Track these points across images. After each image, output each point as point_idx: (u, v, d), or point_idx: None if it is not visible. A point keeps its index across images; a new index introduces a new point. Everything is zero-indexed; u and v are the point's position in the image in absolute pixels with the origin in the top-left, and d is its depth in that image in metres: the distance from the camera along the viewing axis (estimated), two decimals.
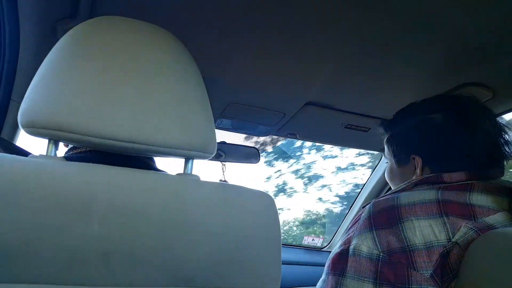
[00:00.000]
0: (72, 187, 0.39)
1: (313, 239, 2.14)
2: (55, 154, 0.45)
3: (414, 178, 0.72)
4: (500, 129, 0.69)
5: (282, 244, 1.71)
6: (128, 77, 0.44)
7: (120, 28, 0.47)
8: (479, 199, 0.59)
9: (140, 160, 0.56)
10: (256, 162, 1.31)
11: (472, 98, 0.74)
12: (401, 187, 0.69)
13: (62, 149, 0.60)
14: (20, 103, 0.44)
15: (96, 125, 0.42)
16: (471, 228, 0.55)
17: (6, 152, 0.56)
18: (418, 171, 0.73)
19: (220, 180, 1.30)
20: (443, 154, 0.70)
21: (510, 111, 1.08)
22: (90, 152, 0.54)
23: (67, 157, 0.53)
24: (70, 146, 0.57)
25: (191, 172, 0.52)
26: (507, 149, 0.68)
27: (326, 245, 2.01)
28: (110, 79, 0.43)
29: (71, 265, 0.38)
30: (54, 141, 0.44)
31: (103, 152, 0.53)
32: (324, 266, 0.68)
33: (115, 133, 0.42)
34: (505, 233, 0.52)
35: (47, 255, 0.37)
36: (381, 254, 0.58)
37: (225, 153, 1.28)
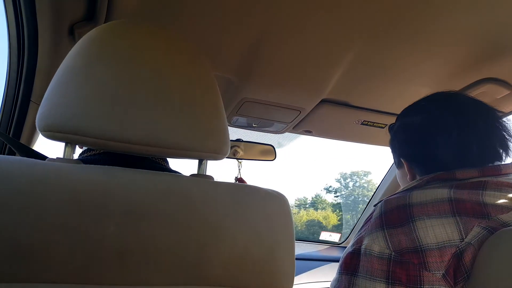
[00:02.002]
0: (89, 189, 0.40)
1: (330, 235, 2.14)
2: (71, 157, 0.45)
3: (408, 180, 0.74)
4: (496, 125, 0.67)
5: (300, 240, 1.72)
6: (142, 80, 0.45)
7: (134, 32, 0.48)
8: (492, 197, 0.58)
9: (153, 161, 0.57)
10: (272, 160, 1.31)
11: (459, 96, 0.73)
12: (413, 184, 0.68)
13: (77, 151, 0.61)
14: (39, 105, 0.45)
15: (111, 129, 0.42)
16: (484, 227, 0.54)
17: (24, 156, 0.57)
18: (408, 173, 0.74)
19: (236, 178, 1.31)
20: (421, 156, 0.71)
21: None
22: (104, 154, 0.55)
23: (82, 159, 0.54)
24: (85, 148, 0.59)
25: (205, 172, 0.52)
26: (502, 146, 0.66)
27: (344, 241, 2.00)
28: (125, 83, 0.44)
29: (88, 264, 0.39)
30: (71, 144, 0.45)
31: (117, 154, 0.53)
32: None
33: (130, 136, 0.43)
34: None
35: (64, 255, 0.38)
36: (393, 253, 0.57)
37: (242, 150, 1.28)
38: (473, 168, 0.63)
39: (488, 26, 0.73)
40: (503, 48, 0.81)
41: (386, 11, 0.70)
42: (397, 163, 0.80)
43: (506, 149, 0.67)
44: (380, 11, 0.70)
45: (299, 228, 10.84)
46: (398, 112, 1.16)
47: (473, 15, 0.70)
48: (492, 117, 0.67)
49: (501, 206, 0.57)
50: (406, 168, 0.75)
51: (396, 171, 0.84)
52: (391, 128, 0.82)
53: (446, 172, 0.65)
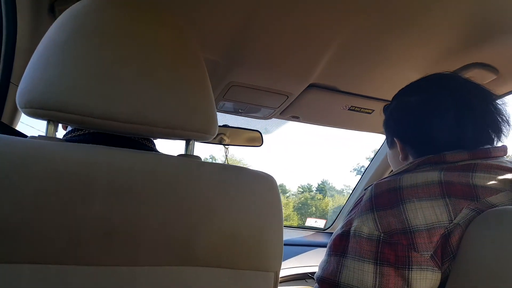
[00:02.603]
0: (73, 168, 0.39)
1: (316, 221, 2.17)
2: (54, 135, 0.44)
3: (400, 160, 0.75)
4: (490, 109, 0.67)
5: (286, 226, 1.74)
6: (128, 56, 0.43)
7: (119, 7, 0.46)
8: (482, 179, 0.59)
9: (140, 142, 0.56)
10: (259, 146, 1.31)
11: (456, 76, 0.73)
12: (403, 168, 0.68)
13: (60, 133, 0.59)
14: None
15: (95, 106, 0.41)
16: (473, 209, 0.55)
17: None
18: (400, 152, 0.75)
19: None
20: (415, 136, 0.71)
21: None
22: (89, 134, 0.53)
23: (66, 140, 0.53)
24: (68, 129, 0.57)
25: (192, 153, 0.51)
26: (496, 128, 0.67)
27: (329, 227, 2.04)
28: (110, 59, 0.42)
29: (73, 245, 0.38)
30: (54, 122, 0.44)
31: (102, 134, 0.52)
32: (326, 247, 0.69)
33: (115, 113, 0.42)
34: (503, 211, 0.52)
35: (48, 235, 0.37)
36: (382, 235, 0.58)
37: (228, 136, 1.27)
38: (464, 151, 0.64)
39: (476, 11, 0.74)
40: (491, 33, 0.82)
41: (376, 1, 0.70)
42: (390, 143, 0.80)
43: (498, 133, 0.67)
44: (369, 1, 0.70)
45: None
46: (386, 98, 1.18)
47: (461, 2, 0.71)
48: (489, 99, 0.68)
49: (490, 188, 0.58)
50: (398, 148, 0.75)
51: (388, 151, 0.84)
52: (386, 108, 0.82)
53: (436, 155, 0.65)
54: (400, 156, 0.75)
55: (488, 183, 0.58)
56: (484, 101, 0.67)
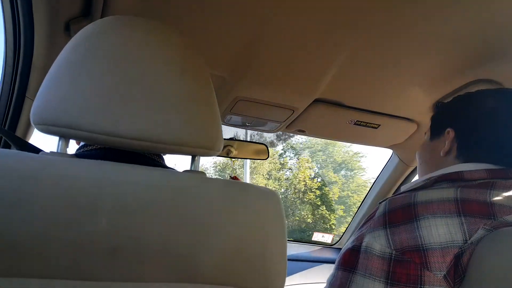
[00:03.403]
0: (81, 184, 0.40)
1: (323, 236, 2.14)
2: (65, 151, 0.46)
3: (441, 153, 0.73)
4: None
5: (292, 240, 1.72)
6: (136, 75, 0.45)
7: (130, 27, 0.48)
8: (500, 197, 0.57)
9: (148, 157, 0.57)
10: (265, 158, 1.32)
11: None
12: (419, 185, 0.67)
13: (74, 146, 0.61)
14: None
15: (104, 123, 0.43)
16: (489, 229, 0.54)
17: (19, 149, 0.58)
18: (447, 144, 0.72)
19: (230, 176, 1.31)
20: (478, 136, 0.69)
21: None
22: (100, 149, 0.55)
23: (78, 154, 0.54)
24: (81, 143, 0.59)
25: (197, 169, 0.53)
26: None
27: (336, 242, 2.01)
28: (119, 78, 0.44)
29: (79, 260, 0.39)
30: (65, 138, 0.45)
31: (112, 149, 0.54)
32: (334, 263, 0.68)
33: (123, 131, 0.43)
34: None
35: (56, 250, 0.38)
36: (394, 252, 0.56)
37: (235, 149, 1.29)
38: (483, 170, 0.63)
39: (482, 29, 0.74)
40: (496, 49, 0.82)
41: (380, 13, 0.71)
42: (435, 134, 0.78)
43: None
44: (374, 13, 0.71)
45: None
46: (391, 113, 1.18)
47: (467, 18, 0.71)
48: None
49: (508, 206, 0.56)
50: (448, 140, 0.73)
51: (425, 143, 0.81)
52: (442, 105, 0.81)
53: (454, 172, 0.65)
54: (444, 149, 0.72)
55: (506, 201, 0.57)
56: None
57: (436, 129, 0.78)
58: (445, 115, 0.78)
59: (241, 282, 0.46)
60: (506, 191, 0.58)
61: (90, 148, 0.56)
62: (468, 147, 0.69)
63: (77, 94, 0.43)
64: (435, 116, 0.81)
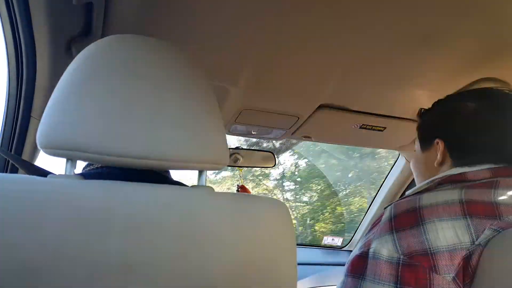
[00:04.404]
0: (91, 205, 0.41)
1: (333, 239, 2.13)
2: (73, 173, 0.46)
3: (435, 164, 0.72)
4: None
5: (302, 245, 1.72)
6: (140, 94, 0.45)
7: (131, 46, 0.49)
8: (504, 196, 0.57)
9: (155, 173, 0.57)
10: (272, 166, 1.32)
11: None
12: (423, 187, 0.67)
13: (80, 164, 0.61)
14: (39, 120, 0.46)
15: (111, 144, 0.43)
16: (496, 229, 0.54)
17: (27, 173, 0.58)
18: (439, 155, 0.71)
19: (238, 185, 1.31)
20: (468, 141, 0.68)
21: None
22: (107, 167, 0.55)
23: (85, 174, 0.54)
24: (86, 162, 0.59)
25: (204, 183, 0.53)
26: None
27: (346, 244, 2.00)
28: (123, 97, 0.44)
29: (92, 280, 0.39)
30: (72, 160, 0.45)
31: (118, 168, 0.54)
32: (344, 265, 0.68)
33: (129, 151, 0.43)
34: None
35: (68, 271, 0.38)
36: (402, 257, 0.57)
37: (242, 157, 1.29)
38: (486, 169, 0.63)
39: (486, 27, 0.74)
40: (500, 47, 0.81)
41: (386, 18, 0.71)
42: (425, 146, 0.77)
43: None
44: (379, 18, 0.71)
45: None
46: (397, 115, 1.17)
47: (471, 18, 0.71)
48: None
49: None
50: (439, 151, 0.72)
51: (417, 155, 0.81)
52: (425, 114, 0.80)
53: (458, 174, 0.65)
54: (437, 160, 0.72)
55: (510, 201, 0.57)
56: None
57: (425, 140, 0.77)
58: (430, 125, 0.77)
59: None
60: (510, 190, 0.58)
61: (96, 166, 0.56)
62: (461, 155, 0.69)
63: (83, 116, 0.43)
64: (421, 126, 0.80)
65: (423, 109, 0.81)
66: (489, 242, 0.53)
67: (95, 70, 0.46)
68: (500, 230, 0.53)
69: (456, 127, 0.70)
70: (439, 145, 0.72)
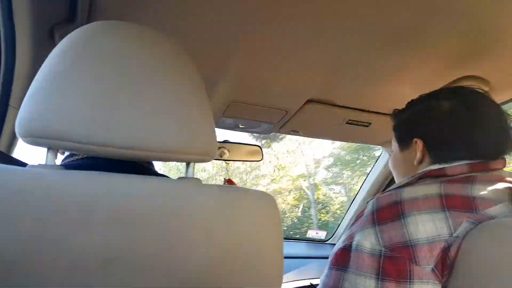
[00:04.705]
0: (72, 196, 0.39)
1: (317, 232, 2.16)
2: (54, 163, 0.44)
3: (415, 162, 0.73)
4: (506, 121, 0.69)
5: (287, 239, 1.74)
6: (126, 82, 0.44)
7: (117, 33, 0.47)
8: (480, 191, 0.60)
9: (139, 164, 0.56)
10: (260, 160, 1.31)
11: (479, 91, 0.73)
12: (404, 182, 0.69)
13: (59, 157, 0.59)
14: (18, 109, 0.44)
15: (94, 133, 0.41)
16: (473, 222, 0.56)
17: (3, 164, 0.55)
18: (418, 154, 0.73)
19: (225, 179, 1.30)
20: (446, 139, 0.70)
21: (506, 103, 1.11)
22: (88, 158, 0.53)
23: (65, 165, 0.53)
24: (66, 153, 0.57)
25: (192, 175, 0.52)
26: (511, 141, 0.68)
27: (330, 238, 2.03)
28: (108, 85, 0.43)
29: (73, 272, 0.38)
30: (53, 149, 0.44)
31: (100, 158, 0.52)
32: (328, 258, 0.69)
33: (114, 140, 0.42)
34: (499, 223, 0.53)
35: (48, 264, 0.37)
36: (383, 249, 0.58)
37: (229, 151, 1.28)
38: (464, 164, 0.65)
39: (468, 27, 0.75)
40: (482, 46, 0.83)
41: (372, 15, 0.71)
42: (404, 145, 0.78)
43: (505, 144, 0.69)
44: (363, 13, 0.71)
45: None
46: (382, 111, 1.19)
47: (453, 17, 0.72)
48: (502, 113, 0.71)
49: (488, 200, 0.58)
50: (418, 150, 0.73)
51: (395, 155, 0.82)
52: (400, 114, 0.81)
53: (436, 169, 0.66)
54: (417, 159, 0.73)
55: (487, 194, 0.59)
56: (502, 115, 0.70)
57: (403, 140, 0.79)
58: (407, 125, 0.79)
59: (239, 284, 0.46)
60: (487, 185, 0.61)
61: (77, 158, 0.54)
62: (440, 153, 0.70)
63: (65, 104, 0.41)
64: (398, 127, 0.81)
65: (397, 110, 0.83)
66: (467, 234, 0.55)
67: (79, 57, 0.44)
68: (477, 223, 0.55)
69: (433, 126, 0.72)
70: (418, 144, 0.73)
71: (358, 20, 0.73)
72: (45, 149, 0.44)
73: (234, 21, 0.72)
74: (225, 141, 1.25)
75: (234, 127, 1.23)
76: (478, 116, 0.68)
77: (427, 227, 0.57)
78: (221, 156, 1.26)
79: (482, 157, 0.66)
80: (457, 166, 0.65)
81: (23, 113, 0.42)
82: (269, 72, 0.92)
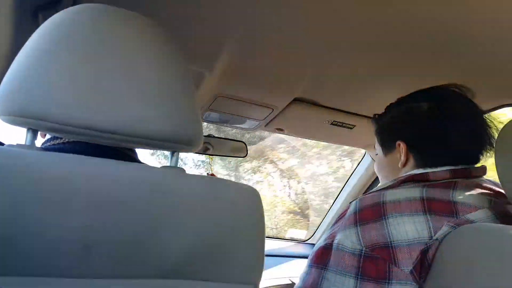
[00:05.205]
0: (52, 178, 0.38)
1: (297, 232, 2.18)
2: (34, 144, 0.43)
3: (399, 165, 0.74)
4: (484, 123, 0.70)
5: (267, 237, 1.73)
6: (110, 66, 0.43)
7: (103, 17, 0.46)
8: (461, 196, 0.61)
9: (121, 151, 0.55)
10: (244, 156, 1.31)
11: (458, 92, 0.74)
12: (387, 184, 0.69)
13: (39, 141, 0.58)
14: None
15: (76, 115, 0.40)
16: (452, 226, 0.57)
17: None
18: (402, 156, 0.73)
19: (208, 174, 1.30)
20: (427, 140, 0.71)
21: (490, 111, 1.12)
22: (69, 143, 0.52)
23: (45, 148, 0.52)
24: (47, 137, 0.56)
25: (176, 165, 0.51)
26: (490, 143, 0.69)
27: (309, 238, 2.04)
28: (93, 68, 0.42)
29: (51, 257, 0.37)
30: (33, 130, 0.43)
31: (82, 143, 0.51)
32: (307, 257, 0.70)
33: (96, 123, 0.41)
34: (476, 228, 0.54)
35: (25, 247, 0.36)
36: (364, 249, 0.58)
37: (213, 146, 1.27)
38: (446, 170, 0.66)
39: (449, 36, 0.77)
40: (464, 52, 0.84)
41: (361, 20, 0.72)
42: (387, 148, 0.79)
43: (487, 149, 0.70)
44: (355, 20, 0.72)
45: None
46: (366, 114, 1.21)
47: (434, 26, 0.74)
48: (480, 115, 0.72)
49: (469, 205, 0.59)
50: (402, 153, 0.73)
51: (379, 158, 0.82)
52: (381, 118, 0.82)
53: (419, 174, 0.67)
54: (401, 161, 0.74)
55: (468, 200, 0.60)
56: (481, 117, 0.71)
57: (386, 144, 0.79)
58: (389, 128, 0.79)
59: (217, 277, 0.46)
60: (467, 191, 0.62)
61: (58, 142, 0.53)
62: (422, 156, 0.71)
63: (48, 84, 0.40)
64: (380, 131, 0.82)
65: (377, 115, 0.83)
66: (445, 237, 0.56)
67: (63, 38, 0.43)
68: (456, 226, 0.56)
69: (413, 128, 0.73)
70: (401, 147, 0.74)
71: (344, 22, 0.73)
72: (25, 130, 0.43)
73: (224, 13, 0.72)
74: (209, 136, 1.24)
75: (220, 122, 1.23)
76: (454, 117, 0.69)
77: (408, 230, 0.57)
78: (205, 150, 1.26)
79: (464, 162, 0.67)
80: (440, 171, 0.66)
81: (3, 91, 0.41)
82: (257, 68, 0.92)
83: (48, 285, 0.37)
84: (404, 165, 0.74)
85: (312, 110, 1.16)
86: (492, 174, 0.69)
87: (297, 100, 1.11)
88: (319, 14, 0.71)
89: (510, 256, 0.47)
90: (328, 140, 1.47)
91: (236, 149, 1.30)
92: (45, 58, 0.42)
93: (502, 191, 0.63)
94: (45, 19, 0.64)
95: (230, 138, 1.32)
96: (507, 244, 0.48)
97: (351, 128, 1.29)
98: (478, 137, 0.69)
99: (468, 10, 0.69)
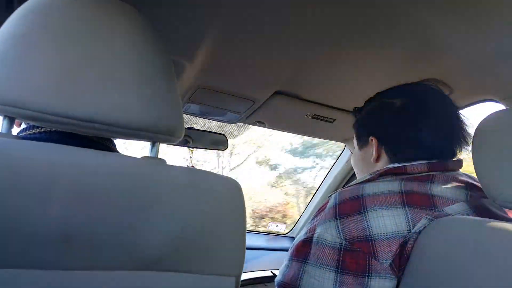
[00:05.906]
0: (31, 167, 0.37)
1: (277, 225, 2.20)
2: (11, 132, 0.42)
3: (372, 160, 0.75)
4: (459, 119, 0.71)
5: (247, 230, 1.73)
6: (91, 55, 0.42)
7: (84, 3, 0.45)
8: (439, 189, 0.61)
9: (100, 143, 0.54)
10: (224, 149, 1.31)
11: (434, 87, 0.75)
12: (366, 178, 0.70)
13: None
14: None
15: (54, 103, 0.40)
16: (430, 219, 0.58)
17: None
18: (374, 152, 0.74)
19: (187, 166, 1.29)
20: (397, 136, 0.71)
21: (467, 107, 1.14)
22: (46, 133, 0.51)
23: (22, 138, 0.50)
24: (22, 126, 0.54)
25: (156, 155, 0.51)
26: (464, 139, 0.71)
27: (289, 231, 2.07)
28: (72, 56, 0.41)
29: (30, 248, 0.36)
30: (9, 118, 0.41)
31: (60, 133, 0.50)
32: (287, 250, 0.70)
33: (75, 111, 0.40)
34: (453, 220, 0.56)
35: (2, 238, 0.35)
36: (344, 242, 0.59)
37: (193, 139, 1.26)
38: (424, 164, 0.66)
39: (429, 27, 0.78)
40: (443, 49, 0.86)
41: (341, 15, 0.73)
42: (362, 143, 0.79)
43: (465, 144, 0.71)
44: (336, 14, 0.73)
45: None
46: (346, 108, 1.23)
47: (416, 17, 0.75)
48: (455, 111, 0.73)
49: (446, 198, 0.60)
50: (374, 148, 0.74)
51: (355, 153, 0.83)
52: (359, 109, 0.82)
53: (397, 167, 0.68)
54: (373, 157, 0.75)
55: (445, 193, 0.61)
56: (455, 113, 0.72)
57: (361, 138, 0.80)
58: (363, 123, 0.80)
59: (198, 269, 0.46)
60: (445, 184, 0.63)
61: (34, 131, 0.51)
62: (394, 151, 0.72)
63: (25, 70, 0.39)
64: (356, 124, 0.83)
65: (356, 108, 0.84)
66: (423, 230, 0.57)
67: (40, 24, 0.42)
68: (434, 219, 0.57)
69: (385, 124, 0.73)
70: (373, 142, 0.75)
71: (325, 16, 0.74)
72: (0, 118, 0.42)
73: (205, 3, 0.72)
74: (190, 128, 1.23)
75: (200, 114, 1.22)
76: (427, 113, 0.69)
77: (387, 223, 0.58)
78: (185, 143, 1.25)
79: (437, 157, 0.68)
80: (417, 164, 0.66)
81: None
82: (238, 60, 0.92)
83: (26, 277, 0.36)
84: (377, 160, 0.75)
85: (293, 103, 1.16)
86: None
87: (278, 93, 1.11)
88: (299, 8, 0.72)
89: (486, 248, 0.48)
90: (309, 134, 1.49)
91: (217, 142, 1.30)
92: (22, 44, 0.40)
93: (478, 184, 0.64)
94: (20, 3, 0.62)
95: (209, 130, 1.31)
96: (483, 237, 0.49)
97: (331, 122, 1.31)
98: (452, 132, 0.70)
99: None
